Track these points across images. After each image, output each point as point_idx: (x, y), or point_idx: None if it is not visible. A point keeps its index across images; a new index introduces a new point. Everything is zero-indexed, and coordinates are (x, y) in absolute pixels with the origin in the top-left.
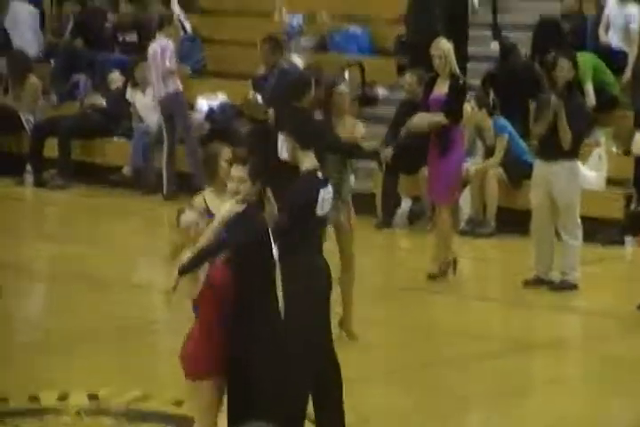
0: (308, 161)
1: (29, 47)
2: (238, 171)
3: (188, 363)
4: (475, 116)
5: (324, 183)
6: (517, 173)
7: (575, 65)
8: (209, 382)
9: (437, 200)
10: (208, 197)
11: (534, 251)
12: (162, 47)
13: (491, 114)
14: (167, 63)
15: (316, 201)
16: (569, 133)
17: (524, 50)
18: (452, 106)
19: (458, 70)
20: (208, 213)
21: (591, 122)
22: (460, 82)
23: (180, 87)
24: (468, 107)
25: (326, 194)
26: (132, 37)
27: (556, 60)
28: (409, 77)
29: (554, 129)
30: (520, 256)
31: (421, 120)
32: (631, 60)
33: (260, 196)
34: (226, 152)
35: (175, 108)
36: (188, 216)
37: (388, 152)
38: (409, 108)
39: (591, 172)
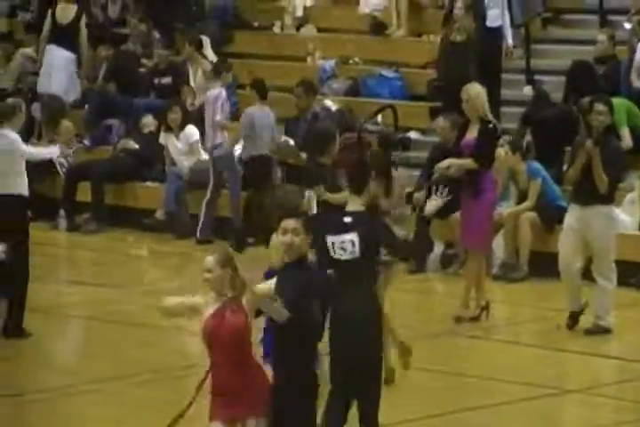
0: (352, 205)
1: (66, 92)
2: (292, 223)
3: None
4: (508, 160)
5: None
6: (550, 217)
7: (611, 110)
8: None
9: (470, 245)
10: None
11: (567, 293)
12: (214, 97)
13: (524, 158)
14: (218, 116)
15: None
16: (605, 179)
17: (559, 94)
18: (482, 150)
19: (489, 114)
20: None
21: (626, 166)
22: (490, 126)
23: (227, 140)
24: (502, 151)
25: (339, 241)
26: (167, 81)
27: (592, 104)
28: (442, 122)
29: (589, 174)
30: (552, 300)
31: (450, 164)
32: None
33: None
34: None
35: (225, 164)
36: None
37: (419, 196)
38: (442, 152)
39: (625, 215)
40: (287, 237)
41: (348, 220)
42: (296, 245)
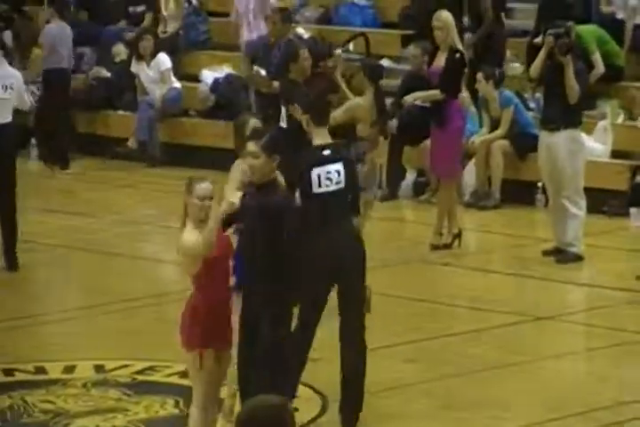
0: (319, 138)
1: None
2: (252, 146)
3: (181, 334)
4: (481, 88)
5: (323, 160)
6: (523, 145)
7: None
8: (205, 352)
9: (439, 173)
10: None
11: (551, 221)
12: None
13: (497, 86)
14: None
15: (309, 178)
16: (576, 88)
17: (530, 22)
18: (448, 79)
19: (459, 43)
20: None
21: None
22: (458, 55)
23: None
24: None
25: (324, 172)
26: (140, 9)
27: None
28: (413, 50)
29: (556, 96)
30: (525, 228)
31: (417, 96)
32: (629, 29)
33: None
34: (252, 122)
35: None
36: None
37: (392, 124)
38: (413, 80)
39: (597, 144)
40: (248, 160)
41: (327, 152)
42: (256, 167)
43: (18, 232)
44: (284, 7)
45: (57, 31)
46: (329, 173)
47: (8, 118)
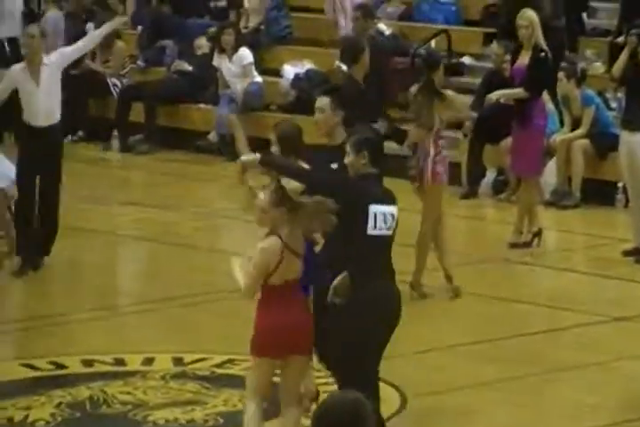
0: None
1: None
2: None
3: (252, 338)
4: (563, 87)
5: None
6: (604, 144)
7: None
8: (267, 360)
9: (519, 172)
10: None
11: (631, 222)
12: None
13: (579, 85)
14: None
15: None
16: None
17: (613, 21)
18: (532, 78)
19: (543, 42)
20: None
21: None
22: (542, 54)
23: None
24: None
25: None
26: (222, 3)
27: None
28: (496, 48)
29: (637, 97)
30: (605, 228)
31: (501, 95)
32: None
33: None
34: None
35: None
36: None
37: (469, 123)
38: (494, 78)
39: None
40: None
41: (389, 191)
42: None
43: (57, 228)
44: (364, 3)
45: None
46: (385, 214)
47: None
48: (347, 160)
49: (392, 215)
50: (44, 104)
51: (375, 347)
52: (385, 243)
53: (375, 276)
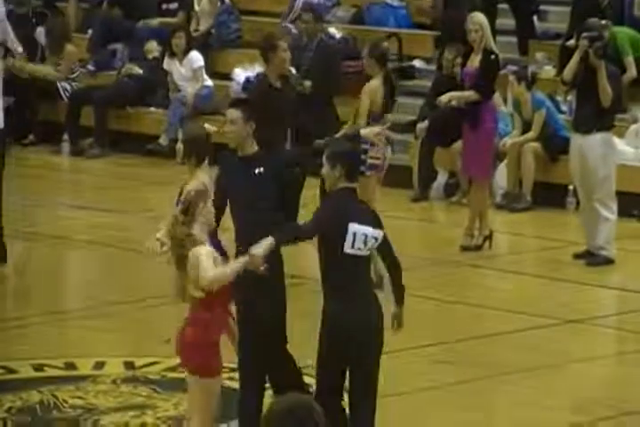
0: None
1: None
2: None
3: (195, 359)
4: (513, 90)
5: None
6: (554, 147)
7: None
8: (218, 378)
9: (471, 174)
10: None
11: (582, 224)
12: None
13: (529, 88)
14: None
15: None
16: (609, 91)
17: (564, 25)
18: (483, 81)
19: (493, 45)
20: None
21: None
22: (492, 57)
23: None
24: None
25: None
26: (174, 6)
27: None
28: (447, 53)
29: (588, 98)
30: (556, 231)
31: (451, 97)
32: None
33: None
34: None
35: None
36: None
37: (423, 126)
38: (444, 81)
39: (628, 147)
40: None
41: (369, 211)
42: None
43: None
44: (313, 6)
45: None
46: (366, 236)
47: None
48: (322, 172)
49: (375, 238)
50: None
51: (332, 365)
52: (362, 263)
53: (348, 295)
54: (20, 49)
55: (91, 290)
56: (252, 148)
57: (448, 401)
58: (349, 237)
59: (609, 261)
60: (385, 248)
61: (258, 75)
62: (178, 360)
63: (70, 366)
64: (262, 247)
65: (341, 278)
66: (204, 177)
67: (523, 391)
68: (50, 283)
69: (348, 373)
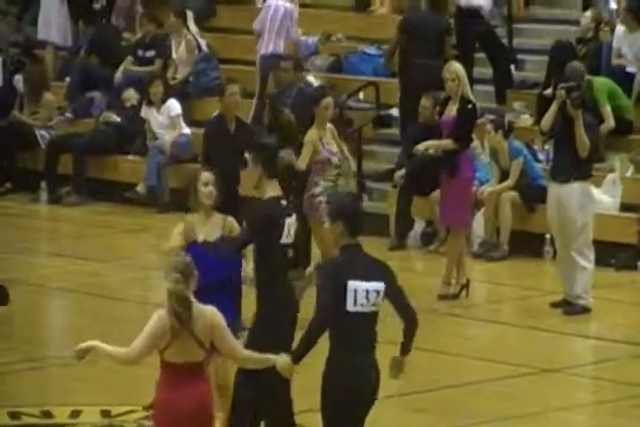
0: (272, 189)
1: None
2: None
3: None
4: (490, 139)
5: (287, 211)
6: (532, 196)
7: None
8: None
9: (448, 222)
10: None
11: (560, 273)
12: (287, 10)
13: (506, 137)
14: (293, 34)
15: (282, 228)
16: (586, 142)
17: (541, 73)
18: (460, 130)
19: (470, 94)
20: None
21: (608, 146)
22: (470, 106)
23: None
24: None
25: (290, 223)
26: (150, 54)
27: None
28: (424, 101)
29: (565, 147)
30: (533, 279)
31: (428, 146)
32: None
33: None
34: (204, 175)
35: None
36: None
37: (400, 174)
38: (422, 130)
39: (605, 196)
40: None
41: (375, 265)
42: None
43: None
44: (295, 56)
45: None
46: (368, 291)
47: None
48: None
49: (376, 292)
50: None
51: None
52: (368, 319)
53: (353, 353)
54: None
55: (67, 337)
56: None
57: None
58: (350, 295)
59: (586, 310)
60: (395, 301)
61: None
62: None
63: (47, 414)
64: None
65: (346, 335)
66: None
67: None
68: (25, 330)
69: None
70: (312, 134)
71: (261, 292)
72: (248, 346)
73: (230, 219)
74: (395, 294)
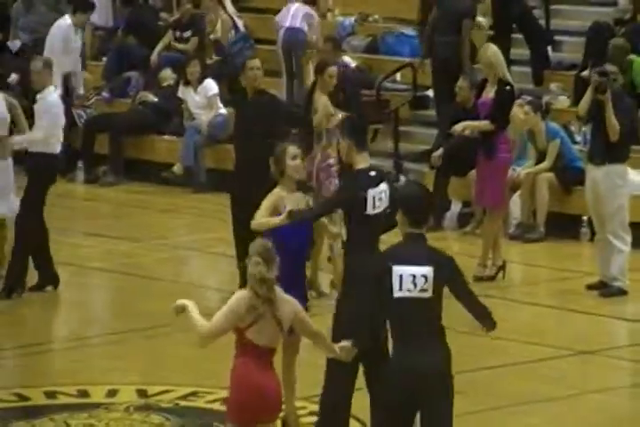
0: (362, 161)
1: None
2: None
3: (228, 410)
4: (528, 121)
5: (375, 182)
6: (568, 178)
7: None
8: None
9: (484, 204)
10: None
11: (596, 255)
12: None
13: (543, 118)
14: (314, 37)
15: (365, 200)
16: (615, 125)
17: (578, 55)
18: (498, 111)
19: (508, 76)
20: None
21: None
22: (507, 88)
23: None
24: (520, 111)
25: (377, 193)
26: (187, 34)
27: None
28: (461, 82)
29: (601, 130)
30: (569, 261)
31: (465, 127)
32: None
33: None
34: (291, 149)
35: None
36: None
37: (437, 155)
38: (459, 111)
39: None
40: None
41: (429, 252)
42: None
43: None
44: (332, 36)
45: None
46: (414, 276)
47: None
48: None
49: (424, 277)
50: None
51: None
52: (419, 305)
53: (405, 341)
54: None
55: (104, 317)
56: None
57: None
58: (396, 280)
59: (622, 293)
60: (453, 286)
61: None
62: (193, 389)
63: (83, 393)
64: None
65: (396, 323)
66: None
67: (534, 422)
68: (64, 310)
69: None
70: (323, 99)
71: (348, 262)
72: (336, 317)
73: (308, 197)
74: (451, 282)
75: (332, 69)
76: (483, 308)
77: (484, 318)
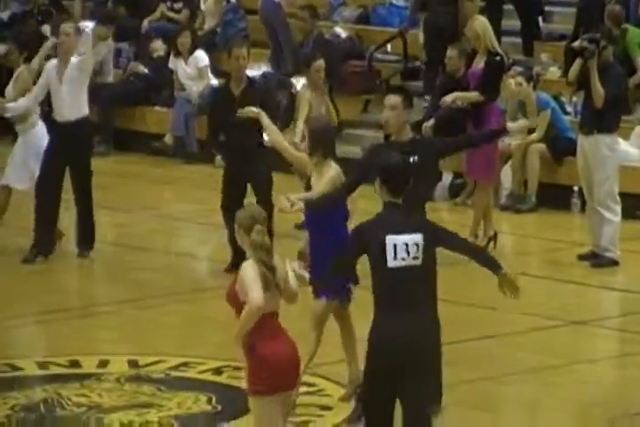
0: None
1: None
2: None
3: (246, 380)
4: (520, 91)
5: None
6: (559, 148)
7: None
8: (268, 397)
9: (475, 175)
10: None
11: (587, 226)
12: None
13: (534, 88)
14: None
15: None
16: (600, 91)
17: (569, 26)
18: (488, 82)
19: (497, 46)
20: None
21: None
22: (497, 58)
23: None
24: (513, 82)
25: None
26: (178, 6)
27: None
28: (450, 52)
29: (591, 99)
30: (561, 232)
31: (456, 98)
32: None
33: None
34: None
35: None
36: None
37: (429, 125)
38: (449, 81)
39: (633, 148)
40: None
41: (413, 219)
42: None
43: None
44: (309, 4)
45: None
46: (406, 244)
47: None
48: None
49: (416, 245)
50: (68, 100)
51: (379, 386)
52: (413, 274)
53: (399, 310)
54: None
55: (94, 288)
56: (408, 134)
57: (451, 402)
58: (390, 250)
59: (613, 263)
60: (451, 244)
61: (264, 73)
62: (184, 359)
63: (75, 364)
64: None
65: (391, 293)
66: (332, 171)
67: (526, 392)
68: (54, 281)
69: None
70: (307, 95)
71: None
72: None
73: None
74: (447, 239)
75: (318, 64)
76: (487, 255)
77: (492, 265)
